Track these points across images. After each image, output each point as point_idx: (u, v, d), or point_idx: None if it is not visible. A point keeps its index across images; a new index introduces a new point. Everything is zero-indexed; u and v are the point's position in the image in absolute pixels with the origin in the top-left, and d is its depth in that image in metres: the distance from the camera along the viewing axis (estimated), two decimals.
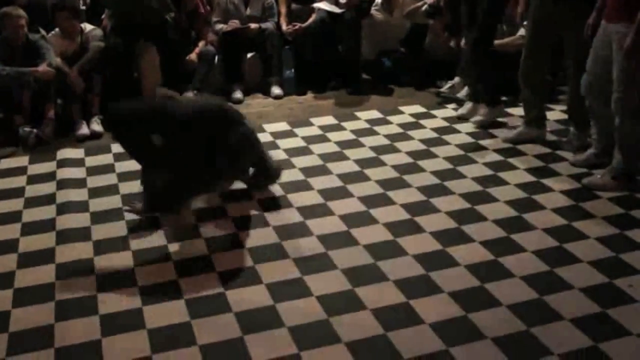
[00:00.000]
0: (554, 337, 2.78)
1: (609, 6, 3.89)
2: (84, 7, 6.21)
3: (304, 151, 4.77)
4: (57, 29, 5.64)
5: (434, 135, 5.03)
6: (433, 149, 4.74)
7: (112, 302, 3.11)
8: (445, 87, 5.89)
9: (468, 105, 5.35)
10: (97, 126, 5.31)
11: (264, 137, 5.00)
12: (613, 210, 3.80)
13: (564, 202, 3.92)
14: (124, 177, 4.44)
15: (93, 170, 4.60)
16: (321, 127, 5.24)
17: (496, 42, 5.40)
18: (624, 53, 3.73)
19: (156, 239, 3.65)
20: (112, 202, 4.11)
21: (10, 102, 5.32)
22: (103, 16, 6.04)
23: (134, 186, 4.21)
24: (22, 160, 4.84)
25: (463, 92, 5.67)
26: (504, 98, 5.44)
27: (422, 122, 5.31)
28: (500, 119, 5.17)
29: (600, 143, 4.25)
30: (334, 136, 5.06)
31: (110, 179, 4.45)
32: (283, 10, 6.34)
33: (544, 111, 4.86)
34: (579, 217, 3.75)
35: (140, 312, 3.03)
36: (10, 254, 3.57)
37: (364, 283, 3.19)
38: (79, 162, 4.75)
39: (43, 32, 5.60)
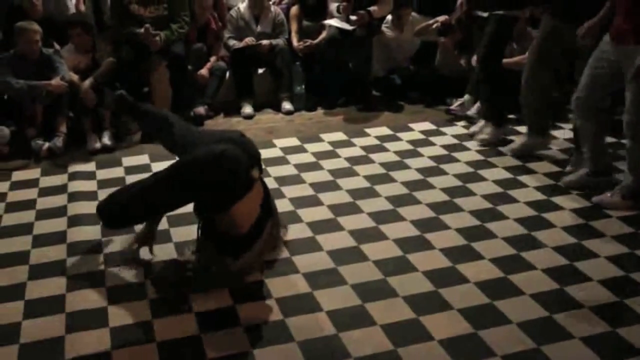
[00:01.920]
0: (564, 355, 2.78)
1: (619, 27, 3.82)
2: None
3: (314, 167, 4.78)
4: (70, 44, 5.70)
5: (444, 152, 5.04)
6: (443, 166, 4.75)
7: (122, 315, 3.12)
8: (455, 105, 5.90)
9: (480, 123, 5.36)
10: (108, 140, 5.34)
11: (274, 153, 5.04)
12: (623, 229, 3.79)
13: (574, 221, 3.91)
14: None
15: (104, 184, 4.62)
16: (331, 143, 5.26)
17: (506, 60, 5.43)
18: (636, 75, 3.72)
19: (167, 253, 3.65)
20: None
21: (23, 115, 5.37)
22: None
23: None
24: (33, 173, 4.87)
25: (473, 110, 5.69)
26: (511, 116, 5.47)
27: (431, 139, 5.32)
28: (507, 137, 5.18)
29: (592, 161, 4.23)
30: (344, 152, 5.08)
31: None
32: (294, 27, 6.39)
33: (548, 120, 4.86)
34: (589, 235, 3.74)
35: (150, 325, 3.04)
36: (22, 265, 3.58)
37: (373, 299, 3.19)
38: (90, 175, 4.78)
39: (57, 46, 5.66)
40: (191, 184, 3.17)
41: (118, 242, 3.78)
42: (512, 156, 4.83)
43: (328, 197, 4.28)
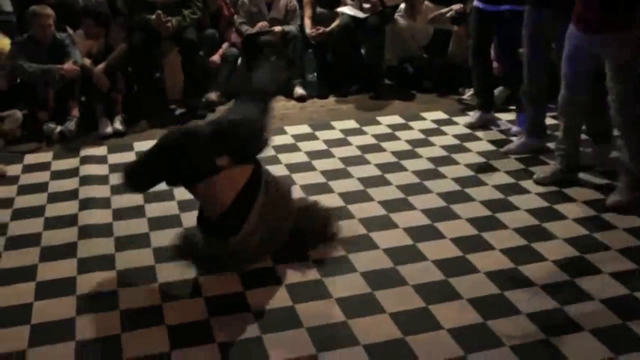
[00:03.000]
0: (573, 347, 2.77)
1: (591, 18, 3.74)
2: None
3: (325, 154, 4.78)
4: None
5: (456, 142, 5.02)
6: (454, 156, 4.74)
7: (132, 298, 3.14)
8: (468, 94, 5.87)
9: (476, 114, 5.36)
10: (119, 125, 5.35)
11: (285, 140, 5.04)
12: (636, 222, 3.76)
13: (586, 213, 3.89)
14: None
15: (115, 168, 4.63)
16: (343, 131, 5.25)
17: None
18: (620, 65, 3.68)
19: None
20: (134, 199, 4.13)
21: (36, 98, 5.40)
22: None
23: None
24: (46, 156, 4.90)
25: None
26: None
27: (443, 128, 5.30)
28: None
29: (568, 159, 4.20)
30: (355, 140, 5.06)
31: None
32: (308, 13, 6.35)
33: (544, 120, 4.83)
34: (601, 227, 3.72)
35: (159, 309, 3.06)
36: (34, 247, 3.61)
37: (383, 287, 3.19)
38: (101, 160, 4.80)
39: (70, 31, 5.66)
40: (158, 156, 3.23)
41: (128, 225, 3.80)
42: (507, 154, 4.77)
43: (339, 185, 4.28)
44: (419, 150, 4.85)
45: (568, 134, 4.16)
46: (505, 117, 5.45)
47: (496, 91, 5.68)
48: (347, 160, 4.68)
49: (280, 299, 3.12)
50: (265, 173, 3.31)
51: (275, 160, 4.59)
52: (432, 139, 5.09)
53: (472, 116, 5.39)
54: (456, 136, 5.13)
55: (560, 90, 4.09)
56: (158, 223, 3.83)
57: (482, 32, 5.14)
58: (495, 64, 5.46)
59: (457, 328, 2.89)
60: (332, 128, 5.33)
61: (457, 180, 4.34)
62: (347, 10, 6.13)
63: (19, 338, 2.87)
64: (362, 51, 6.39)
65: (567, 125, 4.15)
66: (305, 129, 5.32)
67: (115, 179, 4.44)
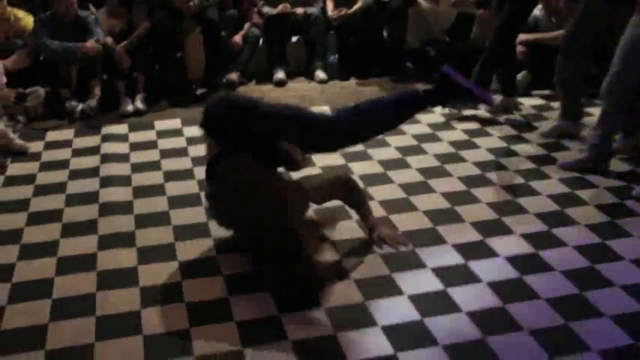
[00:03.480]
0: (593, 332, 2.75)
1: None
2: None
3: None
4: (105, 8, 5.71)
5: (477, 126, 4.98)
6: (475, 140, 4.71)
7: (152, 275, 3.16)
8: None
9: (498, 98, 5.32)
10: (140, 104, 5.37)
11: None
12: None
13: (608, 199, 3.85)
14: (166, 154, 4.50)
15: (136, 146, 4.67)
16: None
17: (540, 35, 5.38)
18: None
19: (197, 216, 3.68)
20: (154, 177, 4.16)
21: (58, 76, 5.43)
22: None
23: (176, 163, 4.29)
24: (67, 134, 4.93)
25: None
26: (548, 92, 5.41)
27: (464, 112, 5.26)
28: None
29: (600, 147, 4.13)
30: None
31: (152, 155, 4.51)
32: None
33: (581, 105, 4.78)
34: (623, 214, 3.69)
35: (179, 286, 3.07)
36: (55, 223, 3.64)
37: (402, 269, 3.18)
38: (122, 138, 4.82)
39: (93, 9, 5.67)
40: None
41: (148, 203, 3.82)
42: (542, 137, 4.74)
43: (359, 167, 4.27)
44: (440, 134, 4.83)
45: (607, 119, 4.09)
46: (528, 102, 5.40)
47: (519, 76, 5.62)
48: (368, 143, 4.64)
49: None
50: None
51: None
52: (453, 122, 5.05)
53: (494, 101, 5.34)
54: (477, 120, 5.09)
55: (609, 74, 4.01)
56: (178, 201, 3.85)
57: None
58: (519, 48, 5.41)
59: (476, 311, 2.88)
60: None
61: (477, 164, 4.31)
62: None
63: (41, 312, 2.90)
64: (384, 33, 6.35)
65: (607, 111, 4.08)
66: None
67: (136, 157, 4.48)
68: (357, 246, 3.39)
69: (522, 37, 5.41)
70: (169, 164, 4.33)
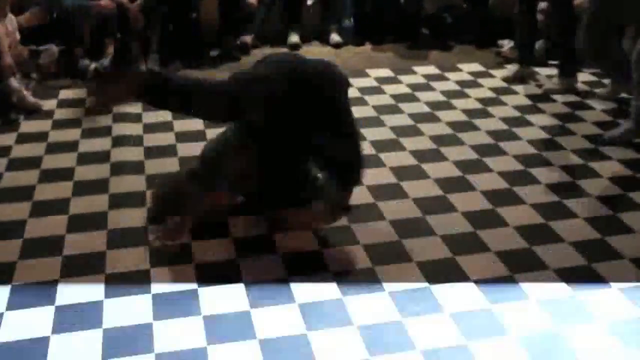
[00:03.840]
0: (600, 304, 2.74)
1: None
2: None
3: (358, 102, 4.73)
4: None
5: (492, 95, 4.94)
6: (489, 109, 4.67)
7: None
8: (507, 47, 5.75)
9: (514, 67, 5.24)
10: (154, 64, 5.35)
11: None
12: None
13: (621, 172, 3.83)
14: (178, 115, 4.49)
15: (148, 107, 4.64)
16: (377, 79, 5.19)
17: None
18: None
19: None
20: (167, 138, 4.17)
21: (72, 34, 5.39)
22: None
23: (188, 124, 4.28)
24: (80, 93, 4.93)
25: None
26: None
27: (480, 81, 5.22)
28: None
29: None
30: (390, 89, 5.01)
31: (165, 115, 4.48)
32: None
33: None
34: (636, 187, 3.66)
35: (188, 247, 3.09)
36: (66, 181, 3.66)
37: (410, 236, 3.18)
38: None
39: None
40: None
41: (160, 163, 3.83)
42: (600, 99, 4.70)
43: (371, 133, 4.25)
44: (454, 102, 4.79)
45: None
46: (545, 72, 5.34)
47: (536, 44, 5.54)
48: (381, 109, 4.64)
49: (307, 242, 3.13)
50: None
51: None
52: (468, 90, 5.01)
53: (510, 69, 5.29)
54: (492, 89, 5.05)
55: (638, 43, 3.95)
56: (189, 162, 3.83)
57: None
58: (540, 16, 5.31)
59: (484, 279, 2.88)
60: (367, 76, 5.28)
61: (491, 133, 4.29)
62: None
63: (52, 269, 2.93)
64: None
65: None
66: None
67: (148, 117, 4.47)
68: (366, 212, 3.39)
69: (542, 4, 5.31)
70: (181, 125, 4.33)
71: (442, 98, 4.86)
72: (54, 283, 2.83)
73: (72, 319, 2.63)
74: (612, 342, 2.54)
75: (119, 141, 4.11)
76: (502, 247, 3.11)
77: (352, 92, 4.81)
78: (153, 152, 3.99)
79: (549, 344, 2.52)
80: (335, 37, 6.03)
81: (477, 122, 4.45)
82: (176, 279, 2.87)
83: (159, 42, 5.52)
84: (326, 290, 2.81)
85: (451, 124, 4.41)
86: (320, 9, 6.29)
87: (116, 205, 3.42)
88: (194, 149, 3.94)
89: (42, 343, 2.50)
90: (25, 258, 3.01)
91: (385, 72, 5.35)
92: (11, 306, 2.70)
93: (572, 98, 4.85)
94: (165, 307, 2.70)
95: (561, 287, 2.85)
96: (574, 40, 4.53)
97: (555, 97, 4.87)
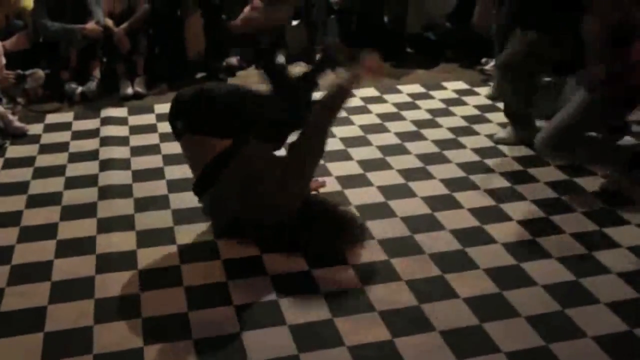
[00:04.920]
0: (589, 319, 2.77)
1: None
2: None
3: (345, 121, 4.75)
4: None
5: (476, 112, 4.99)
6: (474, 127, 4.71)
7: (151, 258, 3.18)
8: (490, 65, 5.81)
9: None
10: (140, 87, 5.37)
11: None
12: None
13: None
14: (166, 137, 4.48)
15: (135, 130, 4.66)
16: (363, 99, 5.23)
17: None
18: None
19: (196, 200, 3.66)
20: (154, 161, 4.17)
21: (58, 58, 5.40)
22: None
23: (175, 147, 4.24)
24: (67, 116, 4.93)
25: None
26: None
27: (464, 98, 5.27)
28: None
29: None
30: (376, 108, 5.05)
31: (152, 138, 4.51)
32: None
33: None
34: (620, 202, 3.69)
35: (178, 270, 3.09)
36: (54, 206, 3.65)
37: (399, 255, 3.20)
38: (122, 121, 4.82)
39: None
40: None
41: (148, 187, 3.83)
42: None
43: (358, 152, 4.28)
44: (439, 120, 4.83)
45: None
46: None
47: None
48: (367, 128, 4.67)
49: (297, 263, 3.13)
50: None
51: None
52: (453, 108, 5.06)
53: (494, 87, 5.34)
54: (477, 107, 5.09)
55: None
56: (177, 185, 3.85)
57: None
58: None
59: (474, 297, 2.90)
60: (353, 95, 5.29)
61: (476, 150, 4.32)
62: None
63: (40, 294, 2.91)
64: (385, 18, 6.33)
65: None
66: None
67: (135, 140, 4.48)
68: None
69: None
70: (168, 148, 4.32)
71: (427, 116, 4.90)
72: (43, 309, 2.82)
73: (61, 345, 2.61)
74: (601, 357, 2.56)
75: (107, 165, 4.10)
76: (490, 264, 3.13)
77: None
78: (141, 175, 3.98)
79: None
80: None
81: (463, 140, 4.48)
82: (166, 303, 2.87)
83: (145, 65, 5.53)
84: (316, 310, 2.81)
85: (437, 142, 4.44)
86: (304, 30, 6.33)
87: (105, 230, 3.42)
88: (182, 171, 3.96)
89: None
90: (14, 284, 2.99)
91: (371, 92, 5.38)
92: (1, 333, 2.68)
93: None
94: (155, 331, 2.69)
95: (550, 302, 2.87)
96: None
97: None
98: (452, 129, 4.66)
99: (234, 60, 5.93)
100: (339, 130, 4.58)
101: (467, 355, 2.56)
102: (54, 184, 3.90)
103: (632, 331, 2.70)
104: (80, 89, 5.22)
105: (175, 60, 5.89)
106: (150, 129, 4.68)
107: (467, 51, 6.16)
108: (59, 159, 4.24)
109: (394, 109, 5.03)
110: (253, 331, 2.69)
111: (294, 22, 6.36)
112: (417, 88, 5.50)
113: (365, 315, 2.79)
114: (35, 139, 4.54)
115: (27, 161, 4.20)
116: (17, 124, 4.62)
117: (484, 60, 5.99)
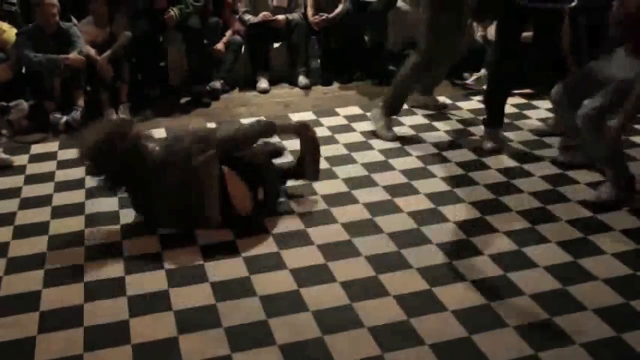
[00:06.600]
0: (577, 326, 2.79)
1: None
2: None
3: (329, 140, 4.79)
4: (89, 17, 5.70)
5: (459, 126, 5.03)
6: (460, 141, 4.75)
7: (140, 284, 3.18)
8: (472, 79, 5.88)
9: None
10: (124, 114, 5.38)
11: None
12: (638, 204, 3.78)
13: (590, 195, 3.90)
14: None
15: None
16: (346, 117, 5.27)
17: None
18: None
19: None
20: None
21: (42, 88, 5.41)
22: None
23: None
24: (52, 146, 4.92)
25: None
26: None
27: (448, 113, 5.31)
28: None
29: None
30: (359, 126, 5.08)
31: None
32: (310, 0, 6.35)
33: None
34: (605, 209, 3.73)
35: (166, 294, 3.09)
36: (41, 235, 3.65)
37: (387, 270, 3.22)
38: None
39: (75, 20, 5.68)
40: None
41: (134, 214, 3.83)
42: None
43: (343, 171, 4.30)
44: (423, 135, 4.87)
45: None
46: (511, 101, 5.44)
47: (481, 72, 5.69)
48: (351, 146, 4.70)
49: (285, 283, 3.15)
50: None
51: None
52: (436, 123, 5.10)
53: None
54: (460, 121, 5.14)
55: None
56: None
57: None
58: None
59: (461, 309, 2.91)
60: (336, 114, 5.35)
61: (460, 164, 4.36)
62: None
63: (28, 325, 2.91)
64: (365, 38, 6.40)
65: None
66: (309, 115, 5.34)
67: None
68: (341, 249, 3.42)
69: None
70: None
71: (411, 132, 4.94)
72: (32, 339, 2.81)
73: None
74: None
75: (93, 193, 4.10)
76: (477, 276, 3.15)
77: (323, 131, 4.93)
78: (128, 202, 3.98)
79: None
80: (302, 80, 6.11)
81: (447, 154, 4.52)
82: (156, 328, 2.86)
83: (128, 92, 5.56)
84: (306, 330, 2.82)
85: (421, 158, 4.47)
86: (286, 52, 6.38)
87: (92, 257, 3.42)
88: None
89: None
90: (2, 316, 2.98)
91: (354, 110, 5.43)
92: None
93: (538, 124, 4.97)
94: (145, 357, 2.69)
95: (538, 311, 2.90)
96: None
97: (522, 124, 4.98)
98: (435, 144, 4.70)
99: (217, 84, 5.96)
100: (323, 150, 4.55)
101: None
102: (40, 214, 3.89)
103: (620, 336, 2.73)
104: (64, 118, 5.22)
105: (159, 86, 5.92)
106: None
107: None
108: (46, 188, 4.24)
109: None
110: (242, 352, 2.69)
111: (276, 45, 6.41)
112: None
113: (355, 331, 2.80)
114: (21, 169, 4.53)
115: (13, 192, 4.19)
116: (2, 155, 4.61)
117: (464, 75, 6.06)
